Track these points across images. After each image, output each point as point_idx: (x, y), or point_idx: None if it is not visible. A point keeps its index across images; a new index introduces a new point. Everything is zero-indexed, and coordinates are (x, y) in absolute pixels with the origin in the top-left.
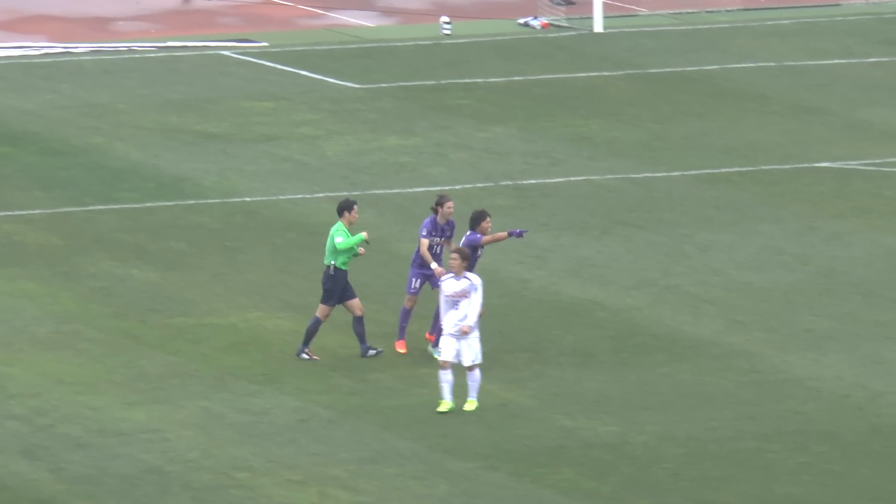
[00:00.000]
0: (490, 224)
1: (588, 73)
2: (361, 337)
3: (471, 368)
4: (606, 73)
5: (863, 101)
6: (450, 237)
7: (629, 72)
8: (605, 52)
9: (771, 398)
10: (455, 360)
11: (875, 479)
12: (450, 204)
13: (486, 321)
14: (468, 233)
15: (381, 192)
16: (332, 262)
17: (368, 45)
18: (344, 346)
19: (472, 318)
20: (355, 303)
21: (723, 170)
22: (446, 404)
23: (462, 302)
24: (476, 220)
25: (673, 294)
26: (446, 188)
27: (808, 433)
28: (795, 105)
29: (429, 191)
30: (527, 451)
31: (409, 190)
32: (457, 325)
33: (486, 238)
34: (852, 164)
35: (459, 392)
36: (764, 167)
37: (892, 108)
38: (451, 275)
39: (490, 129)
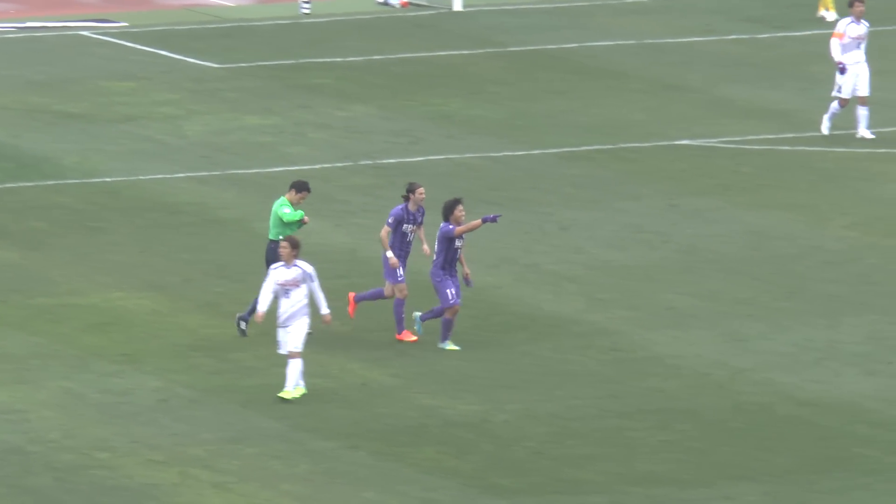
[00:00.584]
0: (463, 212)
1: (448, 52)
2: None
3: (291, 356)
4: (466, 52)
5: (723, 78)
6: (421, 223)
7: (489, 50)
8: (465, 31)
9: (632, 376)
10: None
11: (736, 457)
12: (421, 190)
13: (346, 302)
14: (441, 224)
15: (242, 171)
16: (281, 237)
17: (228, 24)
18: (206, 325)
19: (326, 306)
20: None
21: (584, 148)
22: (299, 390)
23: (293, 291)
24: (449, 209)
25: (534, 272)
26: (306, 168)
27: (670, 411)
28: (656, 82)
29: (289, 170)
30: (388, 429)
31: (270, 169)
32: (287, 320)
33: (459, 228)
34: (713, 142)
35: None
36: (625, 145)
37: (752, 85)
38: (283, 263)
39: (350, 108)
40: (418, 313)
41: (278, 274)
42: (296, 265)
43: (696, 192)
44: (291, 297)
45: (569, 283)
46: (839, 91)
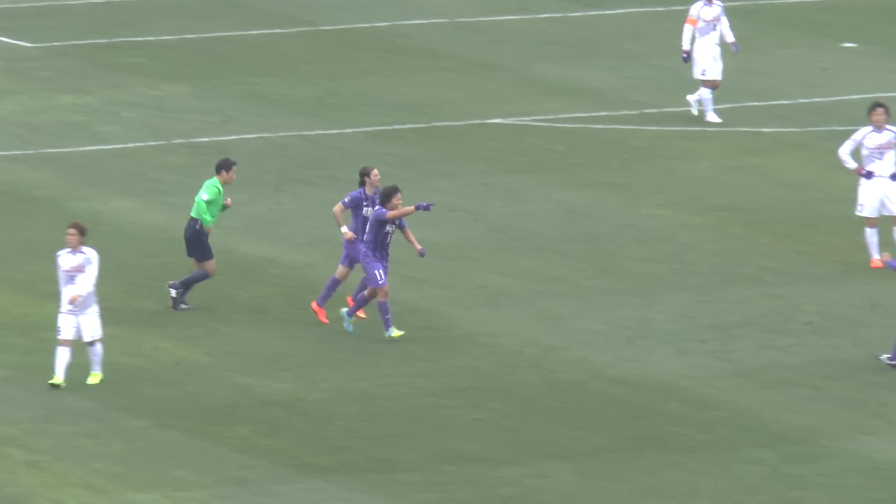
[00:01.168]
0: (400, 201)
1: (260, 31)
2: (188, 284)
3: (91, 343)
4: (279, 30)
5: (535, 57)
6: (375, 205)
7: (301, 29)
8: (277, 9)
9: (446, 354)
10: (75, 337)
11: (549, 435)
12: (375, 171)
13: (160, 279)
14: (376, 208)
15: (55, 150)
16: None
17: (41, 3)
18: (18, 304)
19: (84, 289)
20: (211, 264)
21: (396, 126)
22: (57, 379)
23: (78, 277)
24: (387, 197)
25: None
26: (119, 146)
27: (483, 389)
28: (468, 61)
29: (102, 149)
30: (201, 408)
31: (83, 148)
32: (78, 307)
33: (392, 213)
34: (525, 120)
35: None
36: (437, 123)
37: (564, 63)
38: (69, 249)
39: (163, 87)
40: (344, 310)
41: (63, 261)
42: (81, 251)
43: (509, 171)
44: (77, 284)
45: None
46: (703, 74)
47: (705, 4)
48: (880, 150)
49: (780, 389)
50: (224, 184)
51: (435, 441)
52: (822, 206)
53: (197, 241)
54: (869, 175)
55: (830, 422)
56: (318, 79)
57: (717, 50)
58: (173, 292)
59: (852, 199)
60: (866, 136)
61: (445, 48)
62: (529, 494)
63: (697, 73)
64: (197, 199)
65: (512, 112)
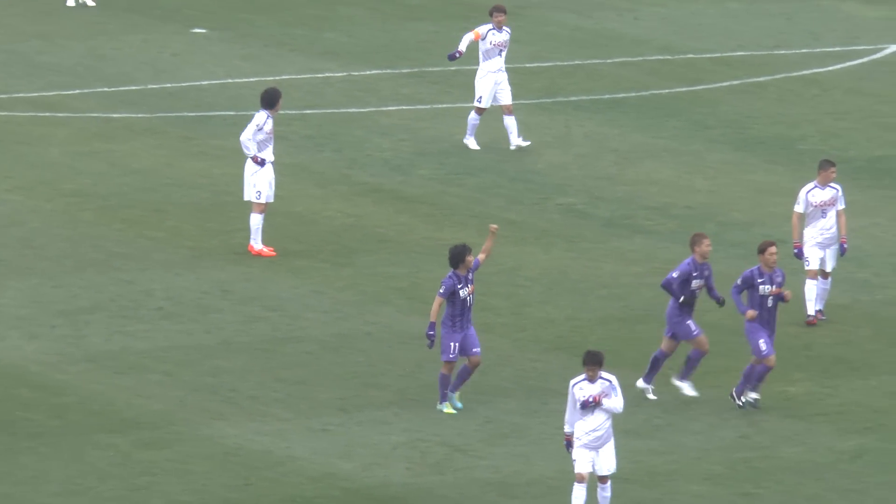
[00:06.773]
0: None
1: None
2: None
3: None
4: None
5: None
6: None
7: None
8: None
9: None
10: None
11: None
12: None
13: None
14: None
15: None
16: None
17: None
18: None
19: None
20: None
21: None
22: None
23: None
24: (459, 257)
25: None
26: None
27: None
28: None
29: None
30: None
31: None
32: None
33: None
34: None
35: None
36: None
37: None
38: None
39: None
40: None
41: None
42: None
43: None
44: None
45: None
46: (479, 101)
47: (494, 29)
48: (269, 136)
49: (130, 375)
50: None
51: None
52: (173, 191)
53: None
54: (263, 162)
55: (181, 407)
56: None
57: (502, 76)
58: None
59: (202, 185)
60: (266, 121)
61: None
62: None
63: (487, 99)
64: None
65: None
